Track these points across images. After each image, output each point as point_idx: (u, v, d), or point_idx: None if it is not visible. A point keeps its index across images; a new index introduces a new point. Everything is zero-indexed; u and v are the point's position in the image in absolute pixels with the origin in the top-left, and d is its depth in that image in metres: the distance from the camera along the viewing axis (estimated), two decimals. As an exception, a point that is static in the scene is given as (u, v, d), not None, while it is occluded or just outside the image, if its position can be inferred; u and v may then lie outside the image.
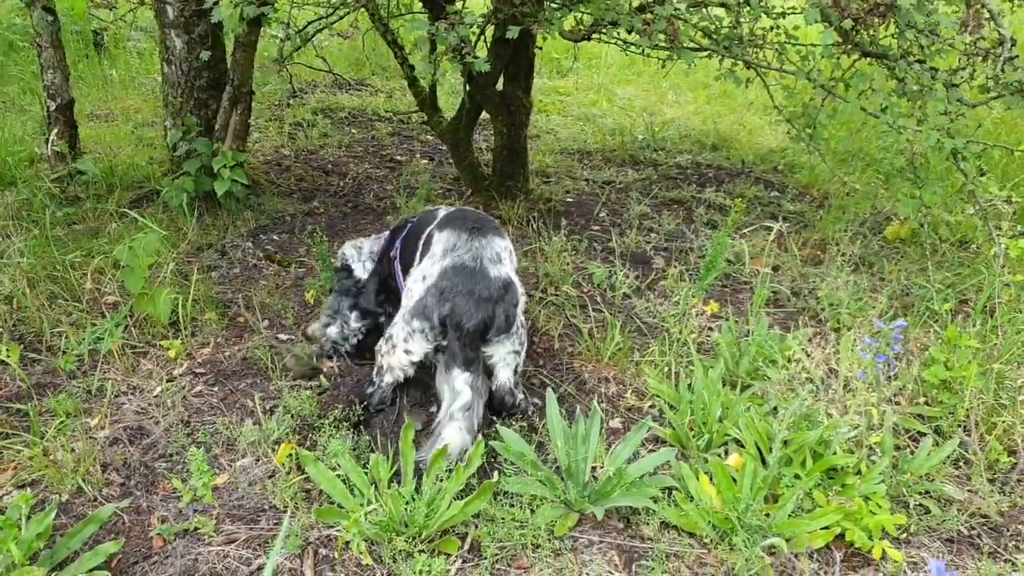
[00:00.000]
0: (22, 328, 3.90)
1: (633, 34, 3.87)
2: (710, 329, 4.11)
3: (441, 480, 2.81)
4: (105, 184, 5.35)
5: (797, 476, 2.94)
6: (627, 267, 4.64)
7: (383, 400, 3.41)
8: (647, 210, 5.73)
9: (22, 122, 6.34)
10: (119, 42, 8.71)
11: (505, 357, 3.30)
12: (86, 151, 5.68)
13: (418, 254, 3.45)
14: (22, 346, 3.72)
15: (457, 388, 3.08)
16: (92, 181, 5.30)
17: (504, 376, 3.35)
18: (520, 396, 3.45)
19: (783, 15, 4.56)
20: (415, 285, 3.25)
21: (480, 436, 3.09)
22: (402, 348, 3.21)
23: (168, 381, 3.61)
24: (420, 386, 3.50)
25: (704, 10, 4.22)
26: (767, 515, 2.80)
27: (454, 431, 3.01)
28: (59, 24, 5.14)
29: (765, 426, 3.14)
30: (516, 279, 3.32)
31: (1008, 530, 2.96)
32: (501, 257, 3.28)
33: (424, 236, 3.47)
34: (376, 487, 2.85)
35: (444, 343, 3.14)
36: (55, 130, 5.20)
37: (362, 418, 3.36)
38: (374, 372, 3.42)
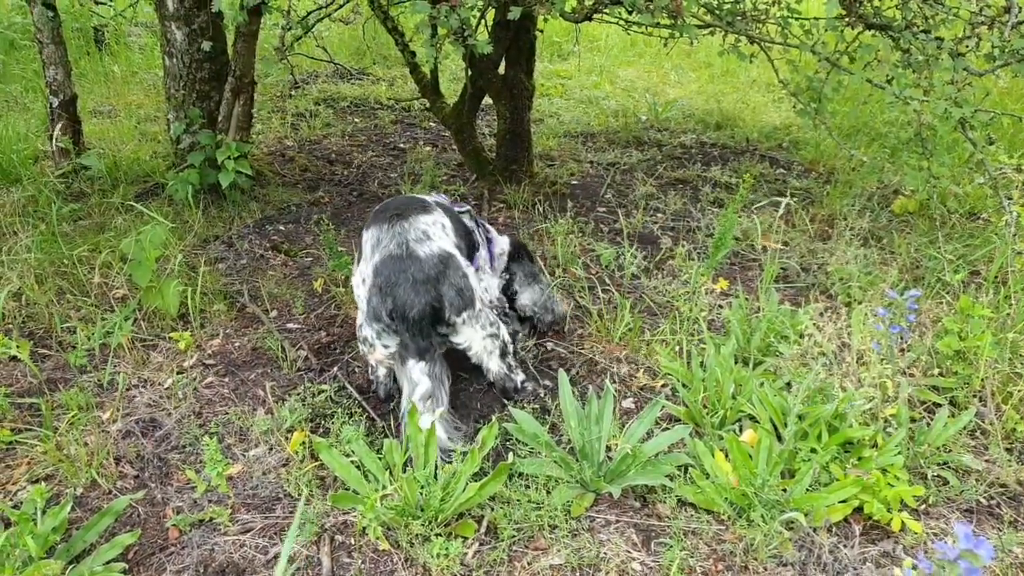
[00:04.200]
0: (31, 324, 3.90)
1: (635, 13, 3.83)
2: (720, 307, 4.09)
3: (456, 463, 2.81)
4: (110, 179, 5.34)
5: (813, 450, 2.92)
6: (635, 247, 4.61)
7: (389, 392, 3.44)
8: (653, 190, 5.71)
9: (25, 120, 6.33)
10: (119, 38, 8.70)
11: (484, 344, 3.26)
12: (90, 147, 5.67)
13: (356, 254, 3.42)
14: (32, 342, 3.72)
15: (414, 378, 3.05)
16: (97, 176, 5.29)
17: (494, 366, 3.33)
18: (521, 377, 3.43)
19: (785, -11, 4.53)
20: (360, 290, 3.23)
21: (493, 419, 3.07)
22: (379, 345, 3.19)
23: (179, 373, 3.61)
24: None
25: (707, -15, 4.18)
26: (784, 490, 2.78)
27: (425, 423, 2.94)
28: (60, 20, 5.13)
29: (779, 401, 3.12)
30: (456, 251, 3.24)
31: (1027, 499, 2.94)
32: (429, 233, 3.20)
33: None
34: (391, 472, 2.84)
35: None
36: (59, 126, 5.19)
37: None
38: (369, 371, 3.47)
